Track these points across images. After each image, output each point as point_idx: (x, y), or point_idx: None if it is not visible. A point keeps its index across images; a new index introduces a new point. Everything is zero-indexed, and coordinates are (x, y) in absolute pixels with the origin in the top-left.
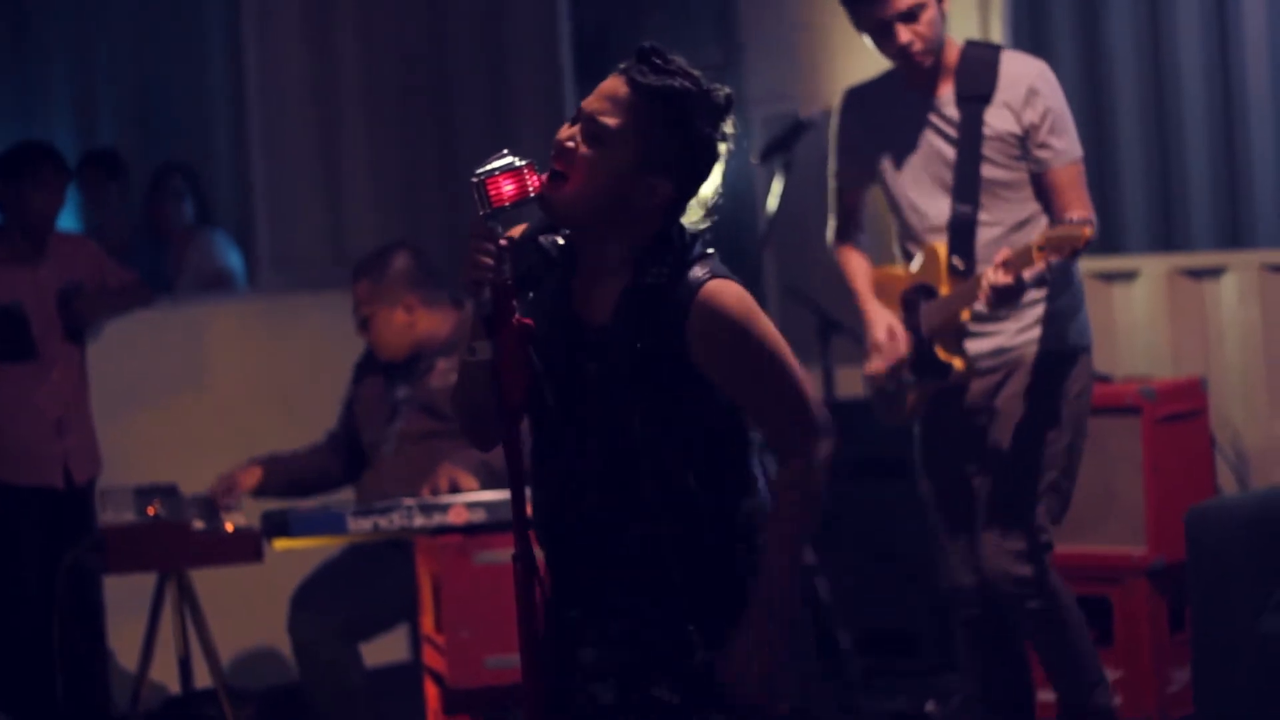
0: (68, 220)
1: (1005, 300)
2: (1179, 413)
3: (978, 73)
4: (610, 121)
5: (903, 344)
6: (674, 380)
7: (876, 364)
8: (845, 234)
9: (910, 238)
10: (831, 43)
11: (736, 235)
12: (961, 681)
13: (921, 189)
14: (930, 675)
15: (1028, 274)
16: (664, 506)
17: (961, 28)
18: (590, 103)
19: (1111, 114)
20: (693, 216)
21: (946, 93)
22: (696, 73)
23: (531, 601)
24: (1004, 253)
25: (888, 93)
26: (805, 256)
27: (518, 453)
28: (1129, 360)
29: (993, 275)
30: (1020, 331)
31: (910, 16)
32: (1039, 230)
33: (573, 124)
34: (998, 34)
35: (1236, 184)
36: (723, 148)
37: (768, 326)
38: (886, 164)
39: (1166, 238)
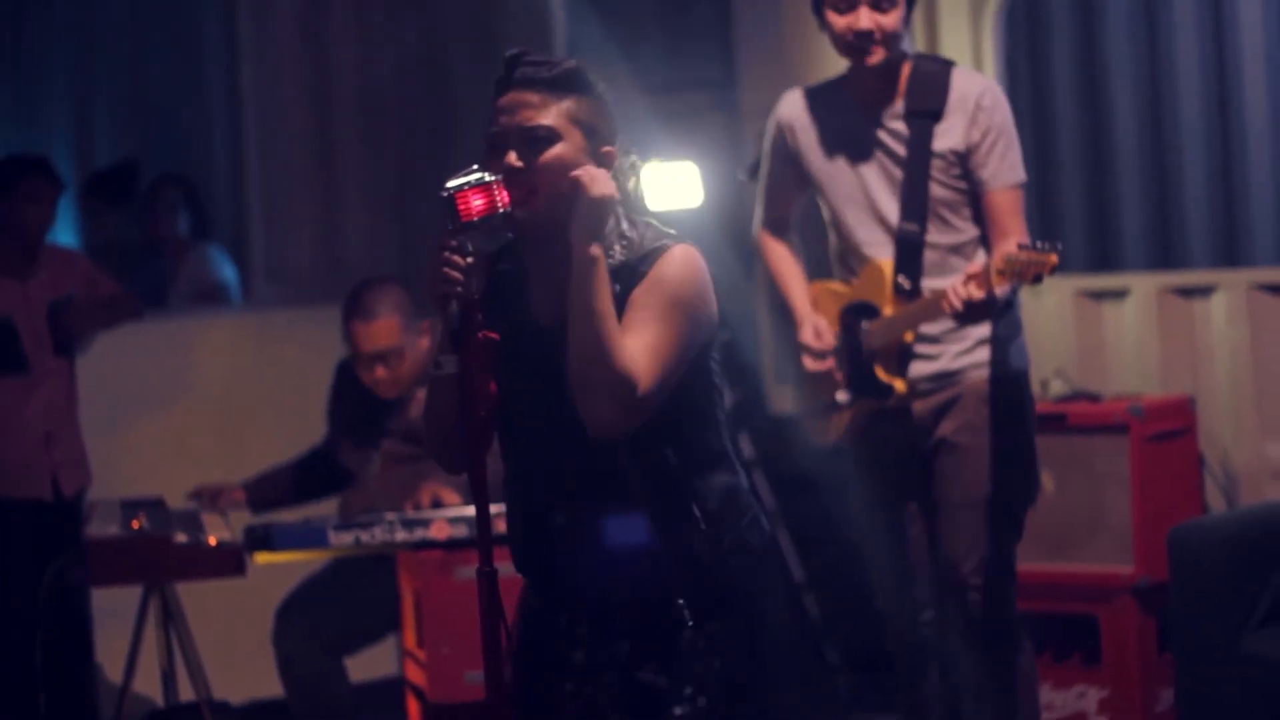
0: (66, 241)
1: (978, 315)
2: (1168, 431)
3: (928, 88)
4: (544, 120)
5: (829, 344)
6: None
7: (812, 364)
8: (775, 228)
9: (851, 253)
10: (826, 60)
11: (726, 251)
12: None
13: (866, 204)
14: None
15: (998, 290)
16: (646, 488)
17: (953, 45)
18: (509, 121)
19: (1108, 132)
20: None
21: (896, 107)
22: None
23: (496, 617)
24: (972, 267)
25: (834, 101)
26: None
27: (482, 467)
28: (1118, 378)
29: (964, 290)
30: (961, 355)
31: (879, 6)
32: (982, 254)
33: (500, 155)
34: (989, 51)
35: (1233, 202)
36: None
37: (692, 304)
38: (828, 176)
39: (1163, 256)
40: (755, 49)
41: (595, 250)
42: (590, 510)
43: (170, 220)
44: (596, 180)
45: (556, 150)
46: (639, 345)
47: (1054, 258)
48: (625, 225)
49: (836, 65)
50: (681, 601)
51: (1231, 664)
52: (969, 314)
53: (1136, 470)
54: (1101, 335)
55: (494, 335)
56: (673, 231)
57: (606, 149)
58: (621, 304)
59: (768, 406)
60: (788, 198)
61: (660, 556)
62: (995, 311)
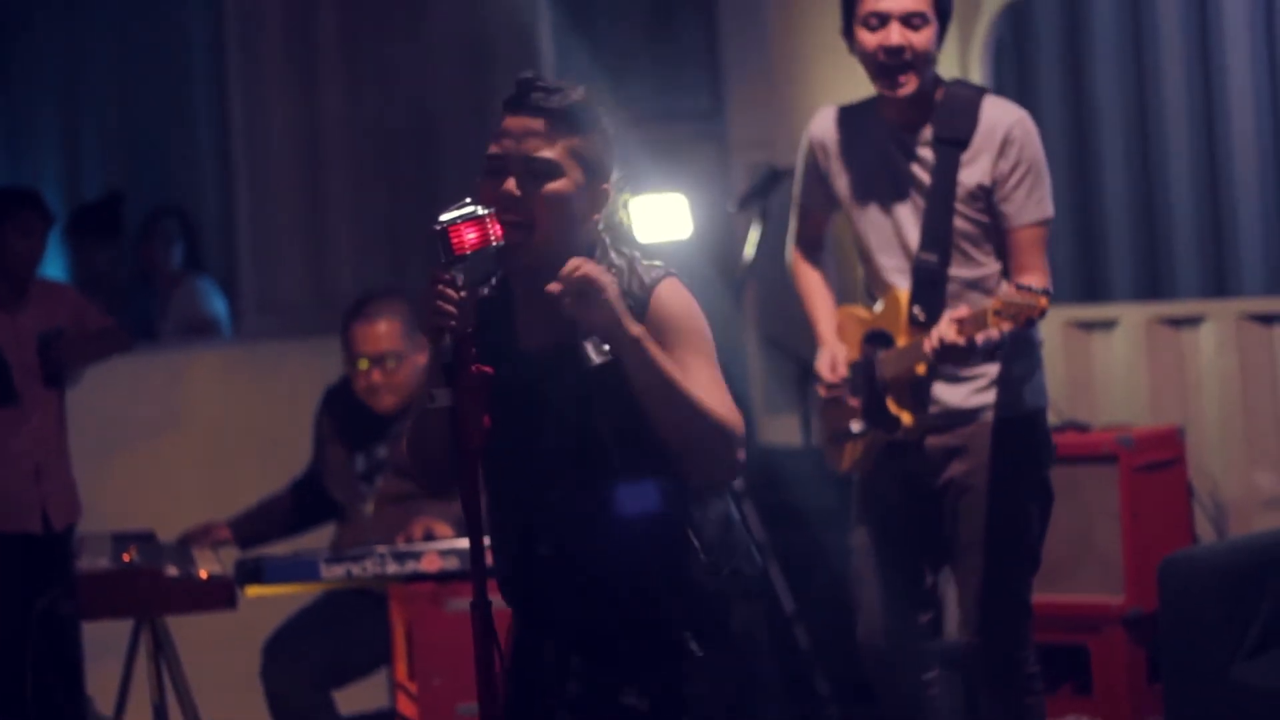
0: (53, 274)
1: (951, 360)
2: (1157, 461)
3: (957, 115)
4: (549, 153)
5: (841, 375)
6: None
7: (822, 391)
8: (806, 249)
9: (874, 279)
10: (814, 92)
11: (715, 282)
12: None
13: (890, 230)
14: None
15: (980, 338)
16: (641, 515)
17: (941, 71)
18: (515, 148)
19: (1096, 162)
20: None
21: (925, 134)
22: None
23: (489, 649)
24: (961, 310)
25: (865, 123)
26: (783, 304)
27: (475, 499)
28: (1107, 408)
29: (945, 330)
30: (973, 394)
31: (910, 23)
32: (997, 292)
33: (499, 179)
34: (977, 78)
35: (1221, 232)
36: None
37: (706, 331)
38: (854, 199)
39: (1151, 286)
40: (743, 80)
41: (635, 330)
42: (576, 540)
43: (165, 252)
44: (600, 276)
45: (557, 185)
46: (708, 388)
47: (1044, 301)
48: (613, 255)
49: (826, 98)
50: (688, 635)
51: (1221, 694)
52: (943, 357)
53: (1126, 501)
54: (1090, 366)
55: (487, 369)
56: (659, 262)
57: (605, 185)
58: None
59: (757, 437)
60: (819, 216)
61: (652, 585)
62: (971, 361)
